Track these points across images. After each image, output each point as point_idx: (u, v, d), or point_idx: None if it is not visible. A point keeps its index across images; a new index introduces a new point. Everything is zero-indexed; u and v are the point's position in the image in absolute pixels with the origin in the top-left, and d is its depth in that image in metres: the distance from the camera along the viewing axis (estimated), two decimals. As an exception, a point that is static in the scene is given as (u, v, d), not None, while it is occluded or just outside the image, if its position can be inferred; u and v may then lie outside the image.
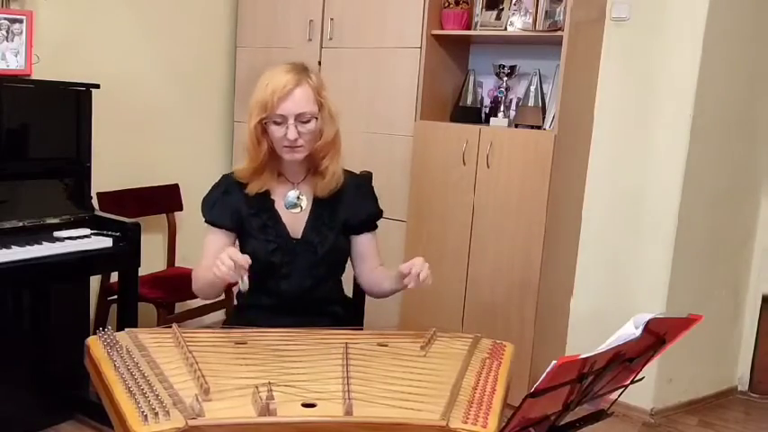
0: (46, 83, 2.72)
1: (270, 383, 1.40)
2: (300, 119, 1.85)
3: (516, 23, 3.05)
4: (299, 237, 1.95)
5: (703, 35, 2.90)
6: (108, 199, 3.11)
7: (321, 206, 1.97)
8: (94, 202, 2.91)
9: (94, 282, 3.07)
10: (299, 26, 3.54)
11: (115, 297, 2.94)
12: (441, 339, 1.78)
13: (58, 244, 2.48)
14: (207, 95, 3.77)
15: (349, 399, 1.36)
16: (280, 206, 1.96)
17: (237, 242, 1.99)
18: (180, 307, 3.31)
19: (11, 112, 2.58)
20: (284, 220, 1.96)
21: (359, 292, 2.18)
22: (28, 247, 2.39)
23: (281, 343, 1.69)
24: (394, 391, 1.44)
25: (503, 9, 3.09)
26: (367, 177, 2.18)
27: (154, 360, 1.52)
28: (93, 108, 2.79)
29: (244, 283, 1.69)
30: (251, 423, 1.30)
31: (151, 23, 3.42)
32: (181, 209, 3.49)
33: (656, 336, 1.42)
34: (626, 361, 1.39)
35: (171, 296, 3.11)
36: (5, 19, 2.68)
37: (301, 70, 1.88)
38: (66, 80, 2.76)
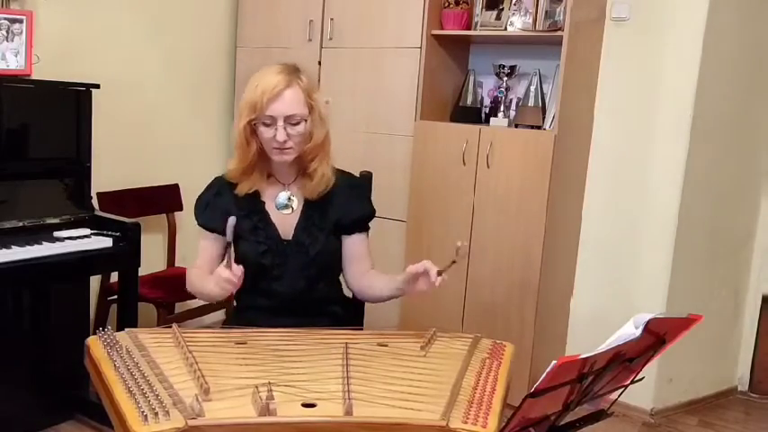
0: (46, 83, 2.72)
1: (270, 383, 1.40)
2: (290, 121, 1.84)
3: (516, 23, 3.05)
4: (290, 238, 1.94)
5: (703, 35, 2.90)
6: (108, 199, 3.11)
7: (312, 207, 1.96)
8: (94, 202, 2.91)
9: (94, 282, 3.07)
10: (299, 26, 3.54)
11: (115, 297, 2.94)
12: (441, 339, 1.78)
13: (57, 244, 2.48)
14: (207, 95, 3.77)
15: (349, 399, 1.36)
16: (270, 207, 1.96)
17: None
18: (180, 307, 3.31)
19: (11, 112, 2.58)
20: (275, 221, 1.95)
21: (359, 292, 2.17)
22: (28, 247, 2.39)
23: (280, 343, 1.69)
24: (394, 391, 1.44)
25: (503, 9, 3.09)
26: (365, 177, 2.18)
27: (154, 360, 1.52)
28: (93, 108, 2.79)
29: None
30: (251, 423, 1.30)
31: (151, 23, 3.42)
32: (181, 209, 3.49)
33: (656, 336, 1.42)
34: (626, 361, 1.39)
35: (171, 296, 3.11)
36: (5, 19, 2.68)
37: (292, 71, 1.87)
38: (66, 80, 2.76)
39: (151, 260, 3.28)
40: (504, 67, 3.19)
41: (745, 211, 3.35)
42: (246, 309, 2.01)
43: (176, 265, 3.49)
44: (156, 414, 1.28)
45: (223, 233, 1.96)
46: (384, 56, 3.29)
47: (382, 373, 1.54)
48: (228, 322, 2.98)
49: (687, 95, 2.95)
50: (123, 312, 2.74)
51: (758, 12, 3.14)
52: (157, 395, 1.35)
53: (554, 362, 1.18)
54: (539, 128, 3.02)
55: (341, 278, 2.07)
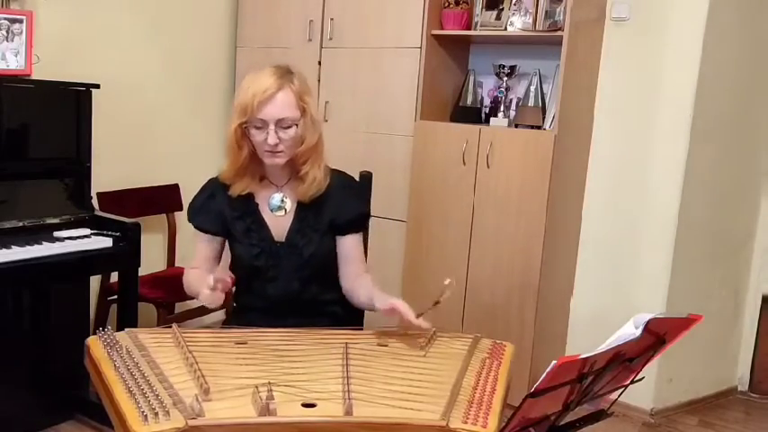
0: (46, 83, 2.73)
1: (270, 383, 1.40)
2: (281, 124, 1.82)
3: (516, 23, 3.05)
4: (284, 240, 1.94)
5: (703, 35, 2.90)
6: (108, 199, 3.11)
7: (306, 208, 1.95)
8: (94, 202, 2.91)
9: (94, 282, 3.07)
10: (299, 26, 3.54)
11: (115, 297, 2.94)
12: (441, 339, 1.78)
13: (57, 244, 2.48)
14: (207, 95, 3.77)
15: (349, 399, 1.36)
16: (264, 209, 1.95)
17: (228, 244, 2.00)
18: (180, 307, 3.31)
19: (11, 112, 2.58)
20: (268, 223, 1.94)
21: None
22: (28, 247, 2.39)
23: (280, 343, 1.69)
24: (394, 391, 1.44)
25: (503, 9, 3.09)
26: (365, 178, 2.18)
27: (154, 360, 1.52)
28: (93, 108, 2.79)
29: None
30: (251, 423, 1.30)
31: (151, 23, 3.42)
32: (181, 209, 3.49)
33: (656, 336, 1.42)
34: (626, 361, 1.39)
35: (171, 296, 3.11)
36: (5, 19, 2.68)
37: (284, 74, 1.84)
38: (66, 80, 2.76)
39: (151, 260, 3.28)
40: (504, 67, 3.19)
41: (745, 212, 3.35)
42: (244, 310, 2.02)
43: (176, 265, 3.49)
44: (156, 414, 1.28)
45: (217, 234, 1.97)
46: (384, 56, 3.29)
47: (382, 373, 1.54)
48: (228, 322, 2.98)
49: (687, 95, 2.95)
50: (123, 312, 2.74)
51: (758, 12, 3.14)
52: (157, 395, 1.35)
53: (554, 362, 1.18)
54: (539, 128, 3.02)
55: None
